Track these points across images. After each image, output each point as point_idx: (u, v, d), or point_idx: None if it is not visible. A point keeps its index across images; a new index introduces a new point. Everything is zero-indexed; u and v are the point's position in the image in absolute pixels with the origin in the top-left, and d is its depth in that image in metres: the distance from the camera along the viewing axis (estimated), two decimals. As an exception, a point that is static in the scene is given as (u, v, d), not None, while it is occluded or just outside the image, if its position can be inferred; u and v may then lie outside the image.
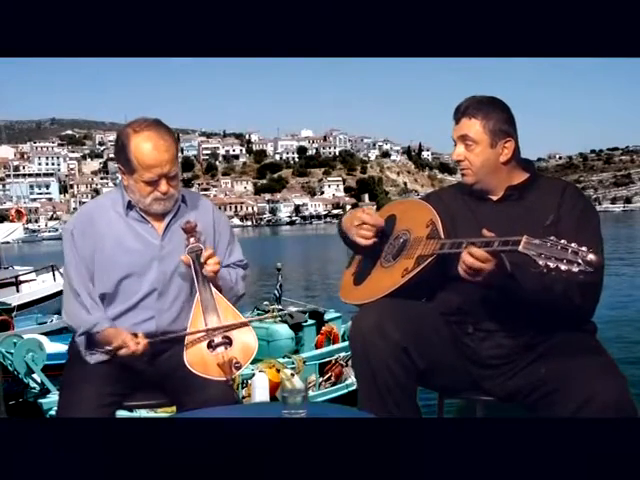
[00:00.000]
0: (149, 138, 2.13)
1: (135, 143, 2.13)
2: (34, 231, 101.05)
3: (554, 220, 1.99)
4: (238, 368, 2.13)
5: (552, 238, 1.71)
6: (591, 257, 1.65)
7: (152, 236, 2.26)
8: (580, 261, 1.65)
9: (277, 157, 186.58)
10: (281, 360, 6.65)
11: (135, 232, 2.25)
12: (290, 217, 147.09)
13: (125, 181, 2.22)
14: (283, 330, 7.33)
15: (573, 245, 1.68)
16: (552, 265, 1.68)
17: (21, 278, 15.59)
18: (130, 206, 2.26)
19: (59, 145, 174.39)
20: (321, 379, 7.34)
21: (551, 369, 1.92)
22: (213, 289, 2.21)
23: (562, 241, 1.69)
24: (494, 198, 2.11)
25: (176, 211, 2.29)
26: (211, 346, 2.15)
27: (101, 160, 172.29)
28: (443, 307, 2.11)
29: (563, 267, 1.66)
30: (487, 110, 2.05)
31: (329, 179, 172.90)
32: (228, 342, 2.16)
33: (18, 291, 14.99)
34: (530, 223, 1.96)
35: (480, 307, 2.03)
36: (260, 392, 5.84)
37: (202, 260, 2.18)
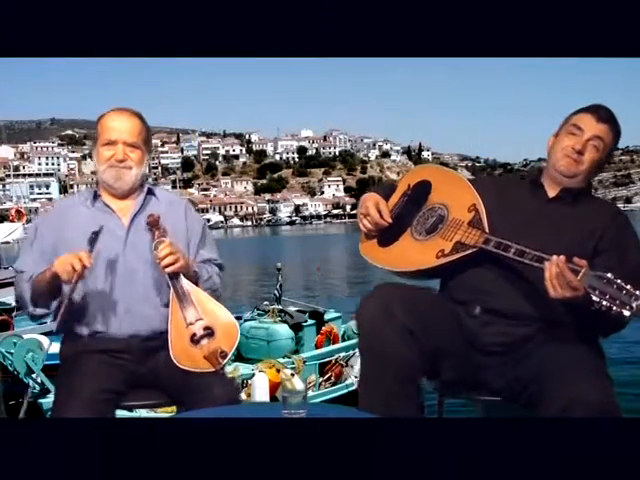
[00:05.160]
0: (115, 111, 2.35)
1: (105, 116, 2.33)
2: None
3: (597, 239, 1.97)
4: (224, 357, 2.13)
5: (609, 275, 1.65)
6: None
7: (117, 227, 2.27)
8: (634, 305, 1.60)
9: (277, 157, 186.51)
10: (281, 360, 6.64)
11: (99, 222, 2.21)
12: (290, 217, 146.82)
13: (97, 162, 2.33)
14: (283, 330, 7.31)
15: (629, 287, 1.61)
16: (605, 304, 1.62)
17: (21, 278, 15.54)
18: (96, 196, 2.32)
19: (59, 145, 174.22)
20: (321, 379, 7.33)
21: (542, 365, 1.91)
22: (185, 281, 2.19)
23: (618, 281, 1.63)
24: (550, 194, 2.10)
25: (142, 203, 2.31)
26: (194, 340, 2.15)
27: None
28: (455, 285, 2.09)
29: (615, 308, 1.61)
30: (618, 128, 2.10)
31: (329, 179, 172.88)
32: (210, 333, 2.16)
33: (18, 291, 14.95)
34: (575, 230, 1.97)
35: (493, 288, 2.01)
36: (260, 392, 5.84)
37: (157, 252, 2.14)
